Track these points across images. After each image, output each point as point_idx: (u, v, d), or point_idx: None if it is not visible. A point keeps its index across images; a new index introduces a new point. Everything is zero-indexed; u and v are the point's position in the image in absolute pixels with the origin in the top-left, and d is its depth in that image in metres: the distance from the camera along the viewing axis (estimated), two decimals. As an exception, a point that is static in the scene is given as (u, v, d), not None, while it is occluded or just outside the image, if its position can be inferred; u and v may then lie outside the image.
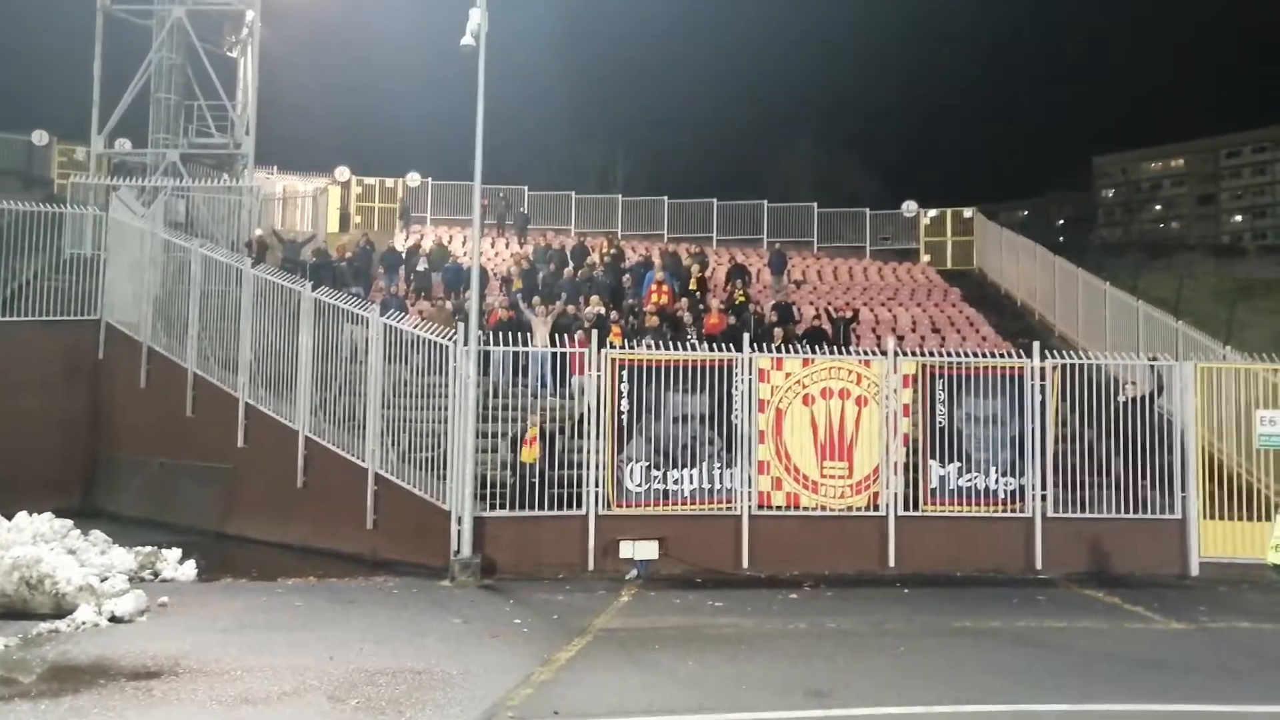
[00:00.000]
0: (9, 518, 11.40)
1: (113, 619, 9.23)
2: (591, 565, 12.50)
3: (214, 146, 24.45)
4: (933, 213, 30.41)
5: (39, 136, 28.03)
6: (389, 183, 30.52)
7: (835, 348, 14.82)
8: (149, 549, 11.87)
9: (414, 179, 30.28)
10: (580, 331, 15.35)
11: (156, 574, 11.55)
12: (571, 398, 14.55)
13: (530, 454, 12.86)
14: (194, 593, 10.92)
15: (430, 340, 13.27)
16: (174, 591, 10.70)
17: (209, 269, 16.23)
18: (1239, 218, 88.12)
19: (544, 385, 15.09)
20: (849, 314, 18.92)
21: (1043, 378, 13.36)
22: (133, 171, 23.15)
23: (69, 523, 11.83)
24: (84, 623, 9.01)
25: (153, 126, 23.70)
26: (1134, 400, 13.54)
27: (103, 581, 9.80)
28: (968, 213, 29.91)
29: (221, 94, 24.32)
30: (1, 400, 16.47)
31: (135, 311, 17.11)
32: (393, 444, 13.46)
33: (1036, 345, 13.76)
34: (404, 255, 22.16)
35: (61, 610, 9.25)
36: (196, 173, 23.55)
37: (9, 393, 16.55)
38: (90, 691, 7.12)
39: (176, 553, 12.01)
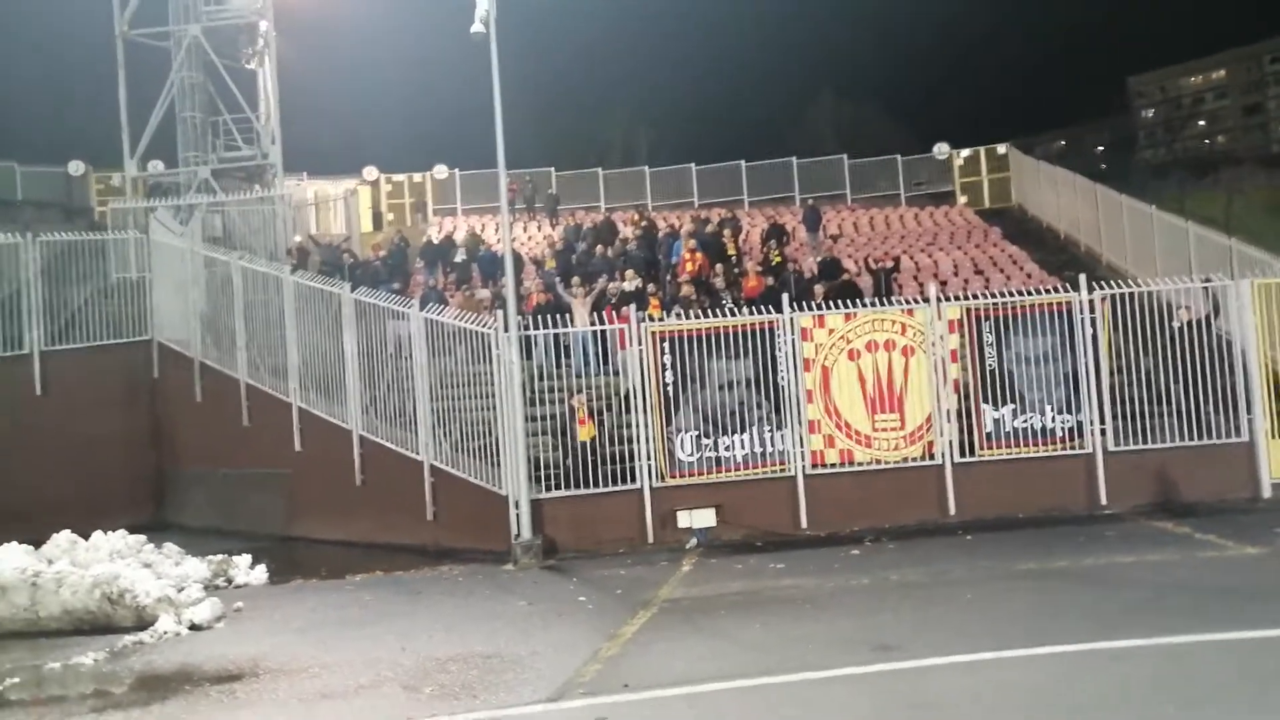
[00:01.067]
0: (85, 537, 11.79)
1: (192, 627, 9.52)
2: (651, 538, 12.58)
3: (243, 159, 24.75)
4: (966, 153, 29.81)
5: (75, 167, 28.63)
6: (417, 178, 30.70)
7: (877, 299, 14.65)
8: (220, 557, 12.21)
9: (441, 171, 30.43)
10: (620, 307, 15.34)
11: (230, 580, 11.88)
12: (617, 374, 14.58)
13: (587, 431, 12.96)
14: (266, 596, 11.22)
15: (472, 330, 13.38)
16: (247, 596, 11.01)
17: (250, 280, 16.51)
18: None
19: (588, 364, 15.14)
20: (889, 264, 18.66)
21: (1092, 310, 13.07)
22: (168, 191, 23.53)
23: (142, 538, 12.18)
24: (165, 632, 9.31)
25: (181, 145, 24.04)
26: (1190, 324, 13.19)
27: (179, 592, 10.12)
28: (1001, 149, 29.27)
29: (244, 106, 24.58)
30: (66, 425, 16.99)
31: (184, 328, 17.49)
32: (445, 435, 13.64)
33: (1083, 277, 13.44)
34: (438, 247, 22.29)
35: (143, 622, 9.57)
36: (229, 186, 23.88)
37: (73, 418, 17.06)
38: (177, 698, 7.37)
39: (247, 558, 12.34)
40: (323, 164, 32.18)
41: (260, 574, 12.08)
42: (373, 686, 7.38)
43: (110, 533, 11.99)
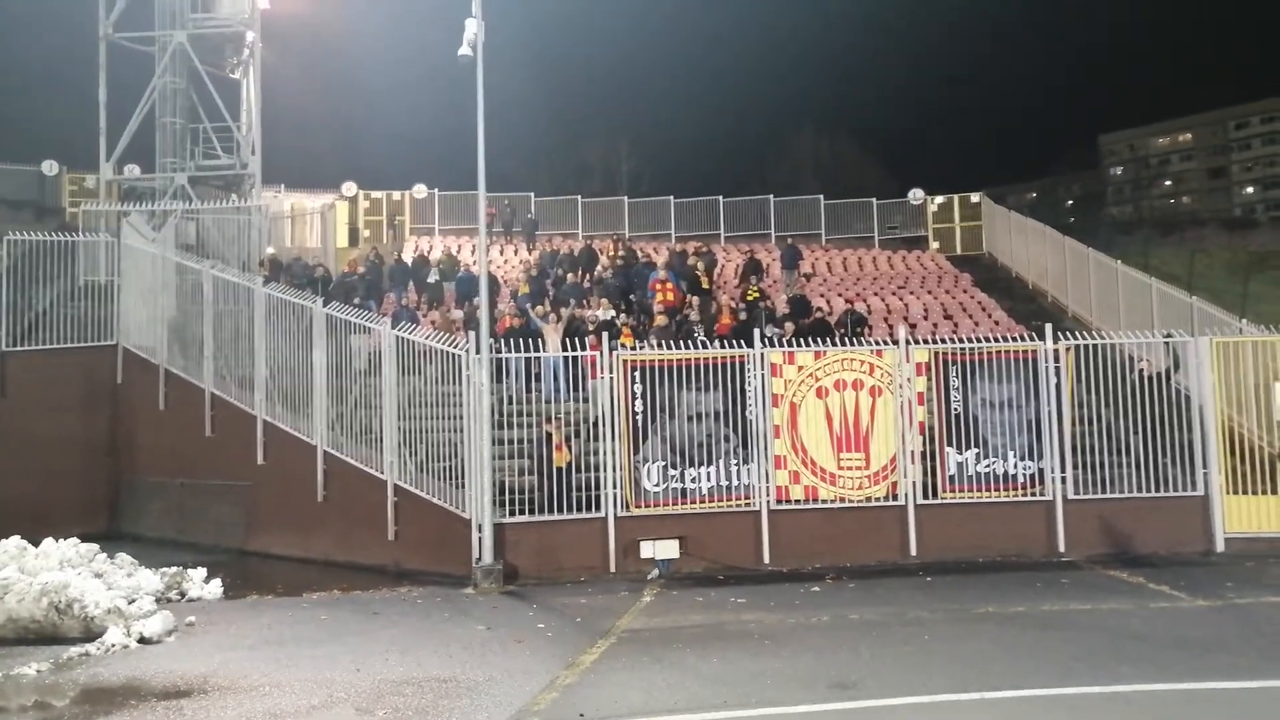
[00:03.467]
0: (36, 544, 11.52)
1: (142, 640, 9.32)
2: (613, 567, 12.53)
3: (221, 168, 24.64)
4: (940, 199, 30.31)
5: (49, 167, 28.33)
6: (396, 195, 30.65)
7: (846, 339, 14.82)
8: (174, 569, 11.98)
9: (420, 190, 30.41)
10: (592, 335, 15.40)
11: (183, 594, 11.65)
12: (586, 401, 14.59)
13: (563, 457, 12.94)
14: (220, 611, 11.02)
15: (443, 350, 13.35)
16: (201, 610, 10.81)
17: (221, 290, 16.36)
18: (1250, 189, 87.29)
19: (558, 390, 15.15)
20: (857, 312, 18.82)
21: (1057, 359, 13.30)
22: (142, 196, 23.32)
23: (95, 547, 11.93)
24: (113, 645, 9.11)
25: (159, 151, 23.92)
26: (1151, 378, 13.47)
27: (130, 604, 9.91)
28: (975, 198, 29.80)
29: (226, 115, 24.52)
30: (24, 428, 16.69)
31: (151, 335, 17.27)
32: (410, 455, 13.54)
33: (1049, 327, 13.71)
34: (409, 267, 22.25)
35: (91, 633, 9.36)
36: (205, 195, 23.73)
37: (31, 420, 16.77)
38: (121, 713, 7.20)
39: (202, 572, 12.12)
40: (302, 177, 32.26)
41: (215, 588, 11.86)
42: (324, 707, 7.27)
43: (62, 540, 11.74)
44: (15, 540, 11.41)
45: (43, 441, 16.61)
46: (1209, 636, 8.67)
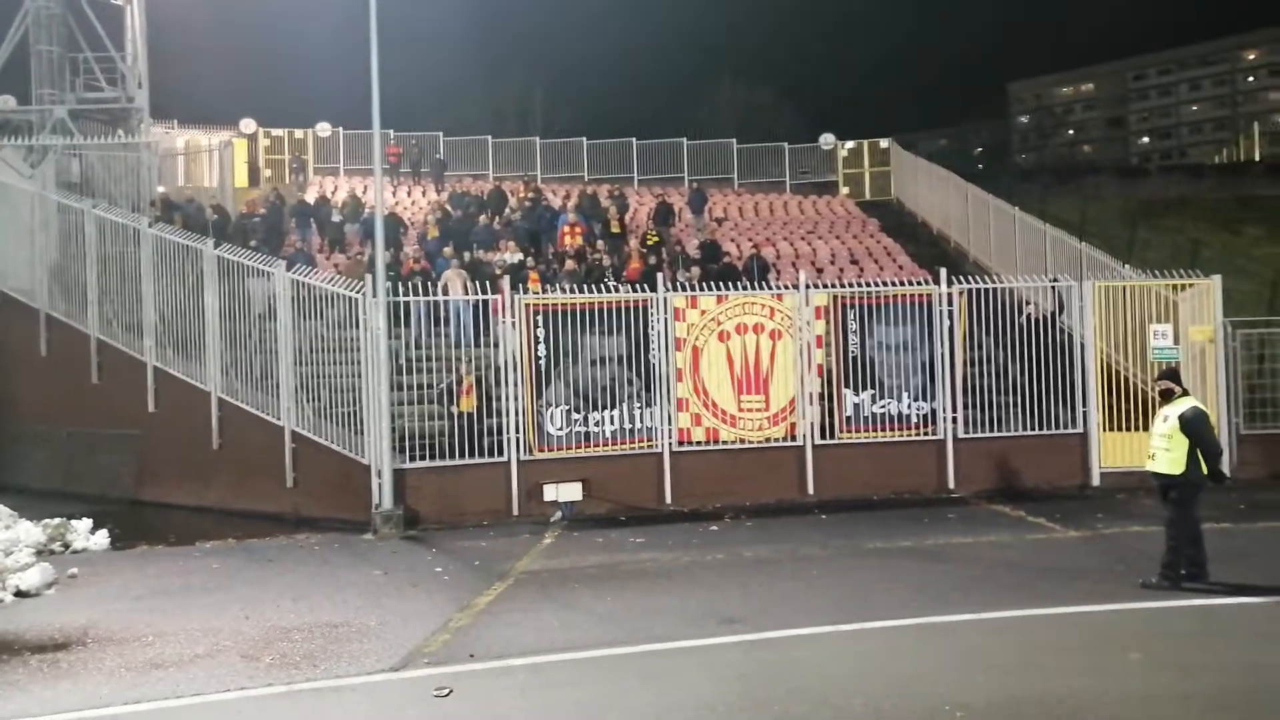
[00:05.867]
0: (-97, 498, 10.98)
1: (18, 594, 9.01)
2: (516, 511, 12.57)
3: (105, 101, 23.26)
4: (850, 145, 30.56)
5: (-86, 96, 26.33)
6: (298, 134, 29.48)
7: (752, 283, 14.96)
8: (57, 521, 11.56)
9: (324, 129, 29.30)
10: (501, 278, 15.20)
11: (67, 546, 11.27)
12: (495, 346, 14.46)
13: (469, 402, 12.82)
14: (106, 562, 10.71)
15: (340, 294, 13.02)
16: (85, 562, 10.48)
17: (106, 231, 15.58)
18: (1146, 139, 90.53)
19: (464, 334, 14.95)
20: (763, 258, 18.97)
21: (950, 303, 13.68)
22: (18, 130, 21.90)
23: (-30, 499, 11.43)
24: (-13, 599, 8.78)
25: (35, 81, 22.43)
26: (1038, 320, 13.98)
27: (7, 556, 9.57)
28: (884, 143, 30.12)
29: (109, 45, 23.09)
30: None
31: (30, 278, 16.38)
32: (309, 400, 13.25)
33: (944, 271, 14.07)
34: (311, 207, 21.54)
35: (-37, 588, 9.00)
36: (89, 130, 22.42)
37: (-102, 369, 15.84)
38: (-8, 667, 6.97)
39: (87, 523, 11.73)
40: (197, 113, 30.56)
41: (102, 539, 11.50)
42: (209, 655, 7.16)
43: (-67, 492, 11.20)
44: (-120, 494, 10.84)
45: (-89, 390, 15.75)
46: (1076, 564, 9.19)
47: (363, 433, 12.50)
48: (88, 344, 15.33)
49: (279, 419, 13.19)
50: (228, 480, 13.74)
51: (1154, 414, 8.75)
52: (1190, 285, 14.01)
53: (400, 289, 14.26)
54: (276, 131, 29.47)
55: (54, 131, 21.64)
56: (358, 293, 12.66)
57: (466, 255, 17.86)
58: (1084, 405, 13.64)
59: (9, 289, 16.60)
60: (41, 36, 22.34)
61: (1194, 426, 8.13)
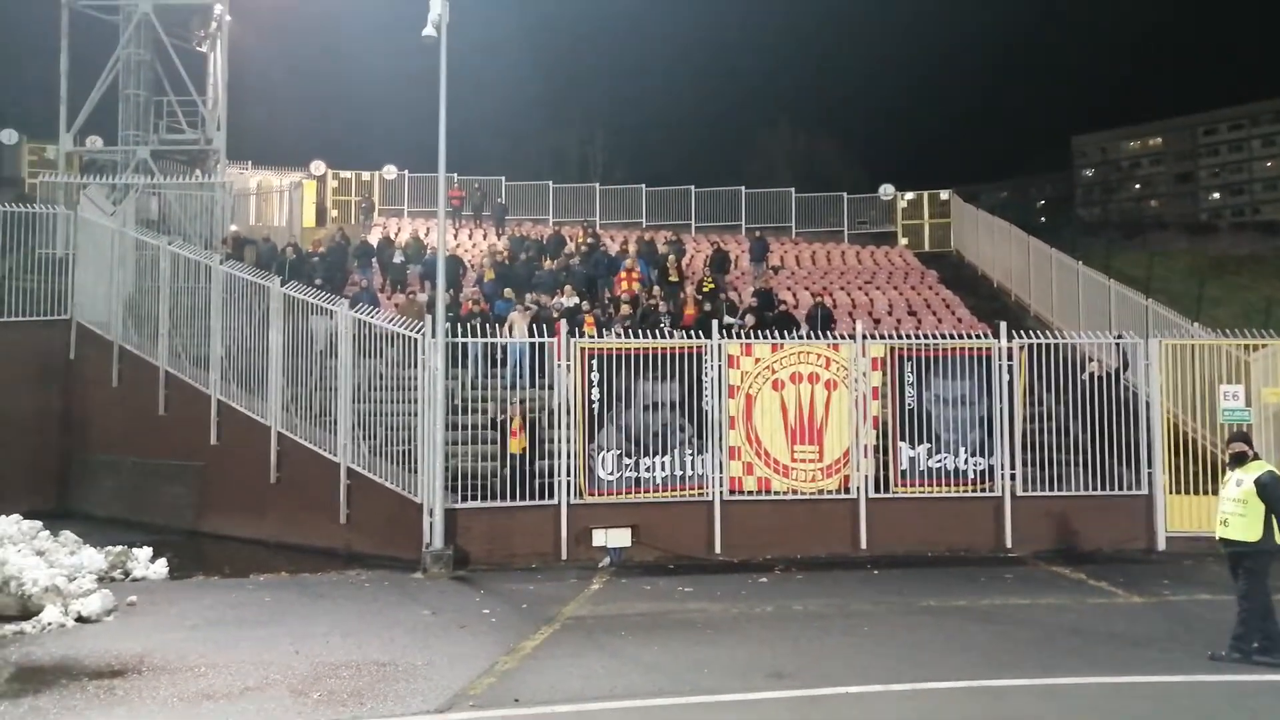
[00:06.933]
0: (-22, 520, 11.35)
1: (80, 619, 9.23)
2: (565, 554, 12.55)
3: (185, 142, 24.31)
4: (910, 196, 30.49)
5: (8, 135, 27.76)
6: (365, 176, 30.37)
7: (814, 333, 14.90)
8: (119, 549, 11.85)
9: (390, 171, 30.17)
10: (558, 321, 15.36)
11: (127, 573, 11.54)
12: (551, 389, 14.57)
13: (518, 444, 12.92)
14: (164, 591, 10.92)
15: (400, 334, 13.28)
16: (144, 590, 10.71)
17: (179, 266, 16.16)
18: (1216, 195, 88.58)
19: (522, 376, 15.10)
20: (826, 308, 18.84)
21: (1010, 358, 13.45)
22: (103, 169, 22.97)
23: (38, 524, 11.77)
24: (50, 624, 9.01)
25: (122, 123, 23.55)
26: (1102, 378, 13.66)
27: (70, 582, 9.80)
28: (944, 195, 30.00)
29: (191, 89, 24.18)
30: (-27, 403, 16.40)
31: (106, 311, 17.02)
32: (365, 438, 13.46)
33: (1004, 325, 13.85)
34: (374, 248, 22.08)
35: (28, 612, 9.24)
36: (169, 169, 23.41)
37: (-19, 394, 16.49)
38: (51, 691, 7.13)
39: (147, 551, 12.00)
40: (269, 154, 31.72)
41: (160, 568, 11.75)
42: (259, 689, 7.24)
43: (4, 517, 11.57)
44: (-45, 515, 11.24)
45: (-8, 415, 16.36)
46: (1140, 632, 8.84)
47: (416, 471, 12.64)
48: (156, 376, 15.82)
49: (335, 455, 13.42)
50: (283, 514, 13.98)
51: (1223, 477, 8.45)
52: (1263, 346, 13.60)
53: (458, 329, 14.47)
54: (345, 173, 30.40)
55: (136, 171, 22.62)
56: (417, 333, 12.90)
57: (528, 297, 18.11)
58: (1149, 466, 13.23)
59: (87, 321, 17.25)
60: (130, 81, 23.49)
61: (1271, 491, 7.85)
